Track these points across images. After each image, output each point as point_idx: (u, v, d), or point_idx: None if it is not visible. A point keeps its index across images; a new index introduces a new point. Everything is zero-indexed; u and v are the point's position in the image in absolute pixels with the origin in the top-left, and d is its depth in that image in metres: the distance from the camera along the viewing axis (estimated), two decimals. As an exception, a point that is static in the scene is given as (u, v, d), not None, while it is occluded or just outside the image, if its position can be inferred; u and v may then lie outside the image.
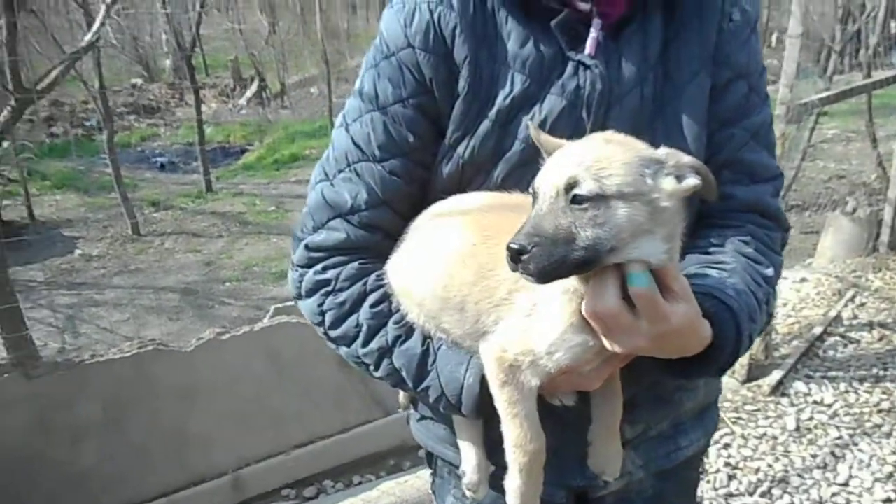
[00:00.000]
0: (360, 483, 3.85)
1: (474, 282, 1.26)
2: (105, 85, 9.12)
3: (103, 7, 4.58)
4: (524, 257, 1.04)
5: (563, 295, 1.16)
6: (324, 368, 3.81)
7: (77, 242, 8.73)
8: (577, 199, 1.06)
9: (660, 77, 1.33)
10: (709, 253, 1.33)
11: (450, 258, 1.30)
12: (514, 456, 1.26)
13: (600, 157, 1.08)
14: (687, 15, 1.34)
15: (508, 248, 1.05)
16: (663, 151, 1.12)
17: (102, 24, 4.54)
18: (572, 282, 1.14)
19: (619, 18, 1.32)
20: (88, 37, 4.48)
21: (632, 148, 1.12)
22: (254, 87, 16.72)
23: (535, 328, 1.19)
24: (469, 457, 1.46)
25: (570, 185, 1.07)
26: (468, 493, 1.47)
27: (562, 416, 1.34)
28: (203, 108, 12.82)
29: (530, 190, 1.13)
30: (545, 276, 1.06)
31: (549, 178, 1.09)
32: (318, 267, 1.39)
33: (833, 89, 6.18)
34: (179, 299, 7.08)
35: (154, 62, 18.91)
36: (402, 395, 1.65)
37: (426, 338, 1.35)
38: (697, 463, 1.71)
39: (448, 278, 1.29)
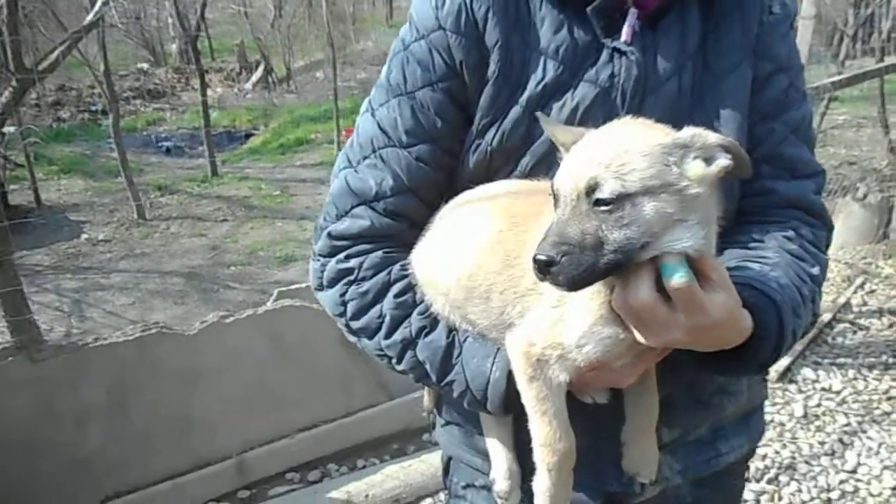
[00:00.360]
0: (364, 467, 3.83)
1: (500, 270, 1.22)
2: (111, 69, 9.10)
3: (106, -12, 4.56)
4: (553, 269, 1.01)
5: (593, 290, 1.11)
6: (328, 352, 3.79)
7: (83, 227, 8.75)
8: (599, 203, 1.02)
9: (699, 67, 1.29)
10: (750, 248, 1.28)
11: (476, 245, 1.25)
12: (543, 455, 1.21)
13: (619, 152, 1.03)
14: (727, 6, 1.30)
15: (535, 261, 1.01)
16: (688, 133, 1.05)
17: (105, 3, 4.50)
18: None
19: (656, 9, 1.28)
20: (90, 17, 4.44)
21: (652, 135, 1.06)
22: (259, 72, 16.70)
23: (564, 320, 1.14)
24: (499, 462, 1.40)
25: (591, 188, 1.02)
26: (499, 502, 1.41)
27: (596, 416, 1.29)
28: (209, 92, 12.80)
29: (551, 188, 1.08)
30: (576, 285, 1.03)
31: (569, 181, 1.04)
32: (342, 255, 1.35)
33: (845, 74, 6.09)
34: (184, 283, 7.08)
35: (161, 46, 18.90)
36: (426, 399, 1.59)
37: (451, 329, 1.31)
38: (741, 470, 1.62)
39: (474, 267, 1.24)
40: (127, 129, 12.81)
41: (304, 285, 4.10)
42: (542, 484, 1.23)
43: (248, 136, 13.79)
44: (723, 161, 1.05)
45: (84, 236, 8.43)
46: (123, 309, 6.54)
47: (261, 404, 3.77)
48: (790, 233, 1.30)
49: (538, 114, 1.21)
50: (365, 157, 1.35)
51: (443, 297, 1.30)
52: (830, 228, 1.39)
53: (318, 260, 1.38)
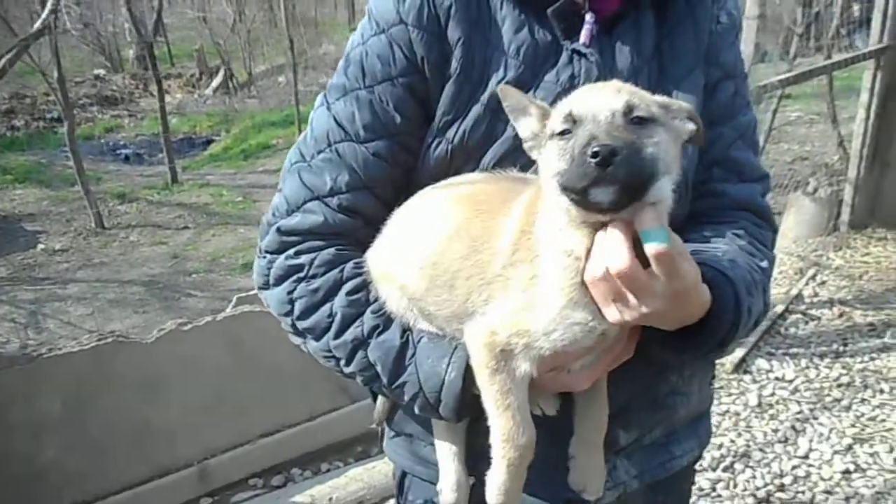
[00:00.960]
0: (328, 470, 3.83)
1: (466, 255, 1.19)
2: (66, 76, 8.95)
3: (56, -6, 4.48)
4: (617, 159, 0.99)
5: (565, 266, 1.10)
6: (288, 357, 3.78)
7: (39, 237, 8.59)
8: (636, 120, 1.05)
9: (655, 72, 1.33)
10: (702, 243, 1.31)
11: (440, 233, 1.23)
12: (503, 451, 1.18)
13: (636, 92, 1.10)
14: (680, 14, 1.35)
15: (595, 153, 0.98)
16: (664, 98, 1.15)
17: (53, 10, 4.43)
18: (573, 244, 1.09)
19: (612, 14, 1.31)
20: (37, 24, 4.37)
21: (644, 91, 1.15)
22: (220, 77, 16.52)
23: (532, 305, 1.12)
24: (447, 472, 1.37)
25: (630, 108, 1.06)
26: None
27: (554, 427, 1.29)
28: (168, 98, 12.66)
29: (566, 117, 1.08)
30: (631, 183, 1.01)
31: (603, 103, 1.06)
32: (291, 252, 1.31)
33: (794, 71, 6.24)
34: (144, 292, 7.00)
35: (117, 52, 18.59)
36: (376, 410, 1.53)
37: (406, 329, 1.28)
38: (691, 474, 1.66)
39: (437, 254, 1.22)
40: (84, 136, 12.60)
41: (263, 290, 4.09)
42: (497, 478, 1.21)
43: (208, 142, 13.64)
44: (691, 125, 1.13)
45: (40, 246, 8.28)
46: (81, 319, 6.44)
47: (221, 411, 3.75)
48: (740, 231, 1.34)
49: (500, 87, 1.19)
50: (320, 152, 1.32)
51: (399, 290, 1.27)
52: (775, 230, 1.45)
53: (265, 257, 1.35)
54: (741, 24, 1.46)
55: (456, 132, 1.29)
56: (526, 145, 1.17)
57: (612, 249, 1.04)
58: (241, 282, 7.13)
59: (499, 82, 1.26)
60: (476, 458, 1.31)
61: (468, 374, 1.20)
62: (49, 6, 4.44)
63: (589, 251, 1.08)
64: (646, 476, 1.46)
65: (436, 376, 1.23)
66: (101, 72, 17.54)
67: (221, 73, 16.51)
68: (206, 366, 3.70)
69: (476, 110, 1.28)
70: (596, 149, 0.98)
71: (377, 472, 3.67)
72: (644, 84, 1.28)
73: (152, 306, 6.70)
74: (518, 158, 1.26)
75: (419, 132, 1.32)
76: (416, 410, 1.29)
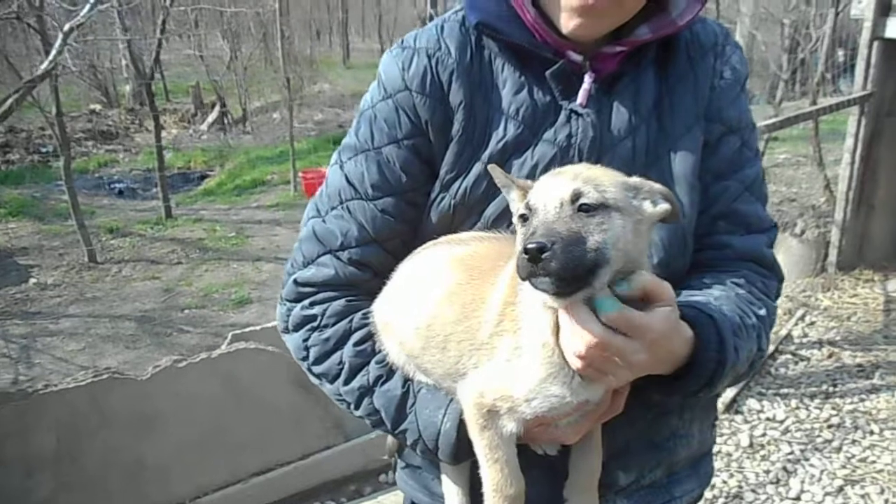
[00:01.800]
0: (320, 509, 3.82)
1: (457, 321, 1.26)
2: (63, 111, 9.02)
3: (60, 35, 4.54)
4: (545, 255, 1.03)
5: (542, 347, 1.17)
6: (283, 395, 3.80)
7: (32, 271, 8.55)
8: (583, 208, 1.09)
9: (653, 129, 1.37)
10: (699, 289, 1.35)
11: (434, 296, 1.30)
12: (494, 500, 1.25)
13: (593, 176, 1.13)
14: (681, 70, 1.39)
15: (527, 250, 1.03)
16: (636, 179, 1.17)
17: (59, 52, 4.51)
18: (542, 324, 1.16)
19: (612, 73, 1.36)
20: (45, 65, 4.44)
21: (613, 173, 1.18)
22: (215, 113, 16.66)
23: (515, 374, 1.19)
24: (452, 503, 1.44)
25: (577, 196, 1.09)
26: None
27: (553, 466, 1.35)
28: (163, 133, 12.74)
29: (525, 205, 1.13)
30: (565, 275, 1.05)
31: (553, 192, 1.11)
32: (306, 302, 1.40)
33: (780, 116, 6.40)
34: (137, 327, 6.97)
35: (114, 87, 18.74)
36: (389, 441, 1.62)
37: (407, 379, 1.36)
38: None
39: (432, 317, 1.29)
40: (78, 170, 12.63)
41: (258, 328, 4.11)
42: None
43: (203, 177, 13.69)
44: (665, 205, 1.16)
45: (32, 280, 8.24)
46: (73, 354, 6.40)
47: (215, 449, 3.74)
48: (740, 280, 1.37)
49: (489, 166, 1.26)
50: (333, 208, 1.41)
51: (399, 345, 1.35)
52: (781, 279, 1.47)
53: (285, 304, 1.44)
54: (747, 76, 1.48)
55: (458, 188, 1.36)
56: (514, 219, 1.22)
57: (580, 327, 1.10)
58: (234, 317, 7.13)
59: (498, 142, 1.34)
60: (478, 494, 1.34)
61: (462, 425, 1.28)
62: (56, 48, 4.52)
63: (555, 330, 1.15)
64: None
65: (433, 426, 1.31)
66: (98, 107, 17.65)
67: (217, 109, 16.67)
68: (200, 403, 3.70)
69: (477, 168, 1.35)
70: (528, 245, 1.03)
71: (370, 511, 3.66)
72: (642, 143, 1.35)
73: (144, 342, 6.67)
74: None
75: (425, 189, 1.40)
76: (418, 453, 1.38)
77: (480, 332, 1.24)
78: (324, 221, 1.42)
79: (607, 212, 1.10)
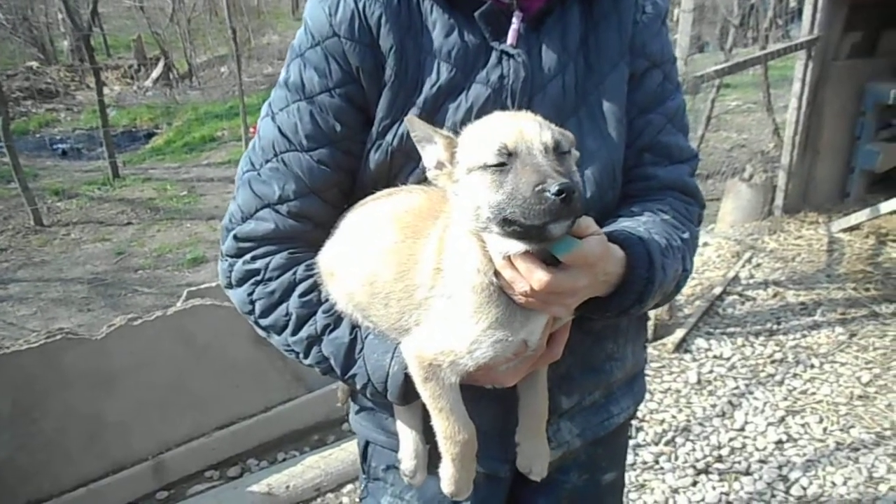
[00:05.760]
0: (284, 460, 3.86)
1: (395, 280, 1.29)
2: (-3, 68, 8.65)
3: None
4: (575, 195, 1.08)
5: (480, 292, 1.20)
6: (241, 349, 3.81)
7: (-25, 235, 8.30)
8: (562, 153, 1.16)
9: (581, 67, 1.39)
10: (626, 217, 1.41)
11: (375, 254, 1.32)
12: (446, 447, 1.31)
13: (549, 125, 1.19)
14: (605, 8, 1.42)
15: (561, 192, 1.06)
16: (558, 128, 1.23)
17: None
18: (488, 277, 1.19)
19: (539, 11, 1.37)
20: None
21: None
22: (159, 68, 16.12)
23: (454, 330, 1.22)
24: (406, 442, 1.49)
25: (557, 144, 1.15)
26: (405, 480, 1.50)
27: (502, 398, 1.40)
28: (106, 90, 12.31)
29: (500, 150, 1.14)
30: (579, 215, 1.14)
31: (535, 137, 1.14)
32: (248, 257, 1.40)
33: (730, 62, 6.48)
34: (89, 290, 6.84)
35: (50, 43, 17.96)
36: (339, 391, 1.68)
37: (354, 326, 1.37)
38: (627, 429, 1.81)
39: (373, 274, 1.31)
40: (18, 131, 12.16)
41: (214, 284, 4.08)
42: (447, 471, 1.34)
43: (149, 135, 13.31)
44: (576, 152, 1.24)
45: (-24, 245, 8.01)
46: (24, 319, 6.27)
47: (176, 405, 3.74)
48: (665, 207, 1.45)
49: (407, 119, 1.26)
50: (267, 161, 1.40)
51: (347, 296, 1.37)
52: (702, 206, 1.55)
53: (226, 260, 1.44)
54: (667, 10, 1.52)
55: (394, 135, 1.36)
56: (430, 174, 1.25)
57: (529, 272, 1.14)
58: (189, 276, 7.04)
59: (432, 86, 1.34)
60: (432, 432, 1.39)
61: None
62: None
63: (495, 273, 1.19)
64: (587, 434, 1.59)
65: (381, 369, 1.35)
66: (34, 64, 16.90)
67: (161, 64, 16.12)
68: (158, 360, 3.69)
69: (412, 113, 1.33)
70: (560, 187, 1.06)
71: (334, 458, 3.72)
72: (571, 81, 1.38)
73: (98, 304, 6.56)
74: None
75: (360, 137, 1.39)
76: (368, 396, 1.42)
77: (417, 291, 1.27)
78: (259, 175, 1.40)
79: (570, 157, 1.18)
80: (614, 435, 1.69)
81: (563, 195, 1.06)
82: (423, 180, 1.33)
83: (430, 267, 1.25)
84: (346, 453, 3.74)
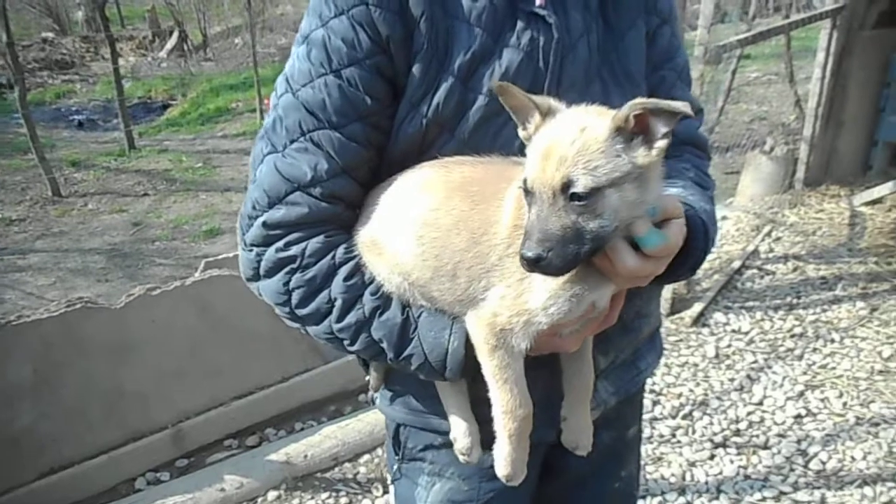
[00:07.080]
0: (302, 429, 3.90)
1: (466, 248, 1.26)
2: (13, 40, 8.63)
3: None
4: (542, 264, 1.09)
5: None
6: (259, 320, 3.81)
7: (-6, 206, 8.37)
8: (575, 197, 1.10)
9: (601, 27, 1.37)
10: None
11: (441, 227, 1.28)
12: (504, 422, 1.29)
13: (582, 149, 1.10)
14: None
15: (524, 258, 1.09)
16: (623, 115, 1.11)
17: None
18: None
19: None
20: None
21: (601, 126, 1.12)
22: (174, 39, 16.09)
23: (530, 288, 1.21)
24: (458, 422, 1.45)
25: (566, 185, 1.09)
26: (462, 458, 1.47)
27: (552, 367, 1.41)
28: (121, 61, 12.29)
29: (521, 185, 1.14)
30: (564, 271, 1.13)
31: (543, 179, 1.10)
32: (280, 244, 1.32)
33: (753, 31, 6.35)
34: (107, 261, 6.89)
35: (65, 14, 17.95)
36: (372, 378, 1.59)
37: (405, 306, 1.33)
38: (644, 385, 1.83)
39: (440, 248, 1.27)
40: (35, 102, 12.22)
41: (231, 255, 4.09)
42: (502, 450, 1.31)
43: (165, 106, 13.33)
44: (662, 143, 1.13)
45: (-4, 216, 8.08)
46: (43, 289, 6.34)
47: (194, 374, 3.77)
48: (687, 165, 1.48)
49: (499, 85, 1.18)
50: (293, 141, 1.31)
51: (400, 276, 1.31)
52: (710, 157, 1.61)
53: (252, 250, 1.35)
54: None
55: (429, 106, 1.30)
56: (526, 141, 1.20)
57: (620, 258, 1.16)
58: (205, 248, 7.07)
59: (466, 53, 1.29)
60: (478, 404, 1.39)
61: (469, 343, 1.29)
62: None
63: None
64: (621, 392, 1.61)
65: (440, 346, 1.31)
66: (50, 35, 16.93)
67: (175, 34, 16.08)
68: (176, 330, 3.71)
69: (446, 82, 1.29)
70: (525, 254, 1.10)
71: (351, 429, 3.75)
72: (595, 41, 1.36)
73: (115, 275, 6.61)
74: (490, 127, 1.30)
75: (389, 111, 1.33)
76: (423, 377, 1.36)
77: (490, 255, 1.24)
78: (284, 157, 1.32)
79: (600, 193, 1.09)
80: (637, 392, 1.73)
81: (526, 263, 1.10)
82: (457, 151, 1.30)
83: (509, 224, 1.23)
84: (362, 424, 3.76)
